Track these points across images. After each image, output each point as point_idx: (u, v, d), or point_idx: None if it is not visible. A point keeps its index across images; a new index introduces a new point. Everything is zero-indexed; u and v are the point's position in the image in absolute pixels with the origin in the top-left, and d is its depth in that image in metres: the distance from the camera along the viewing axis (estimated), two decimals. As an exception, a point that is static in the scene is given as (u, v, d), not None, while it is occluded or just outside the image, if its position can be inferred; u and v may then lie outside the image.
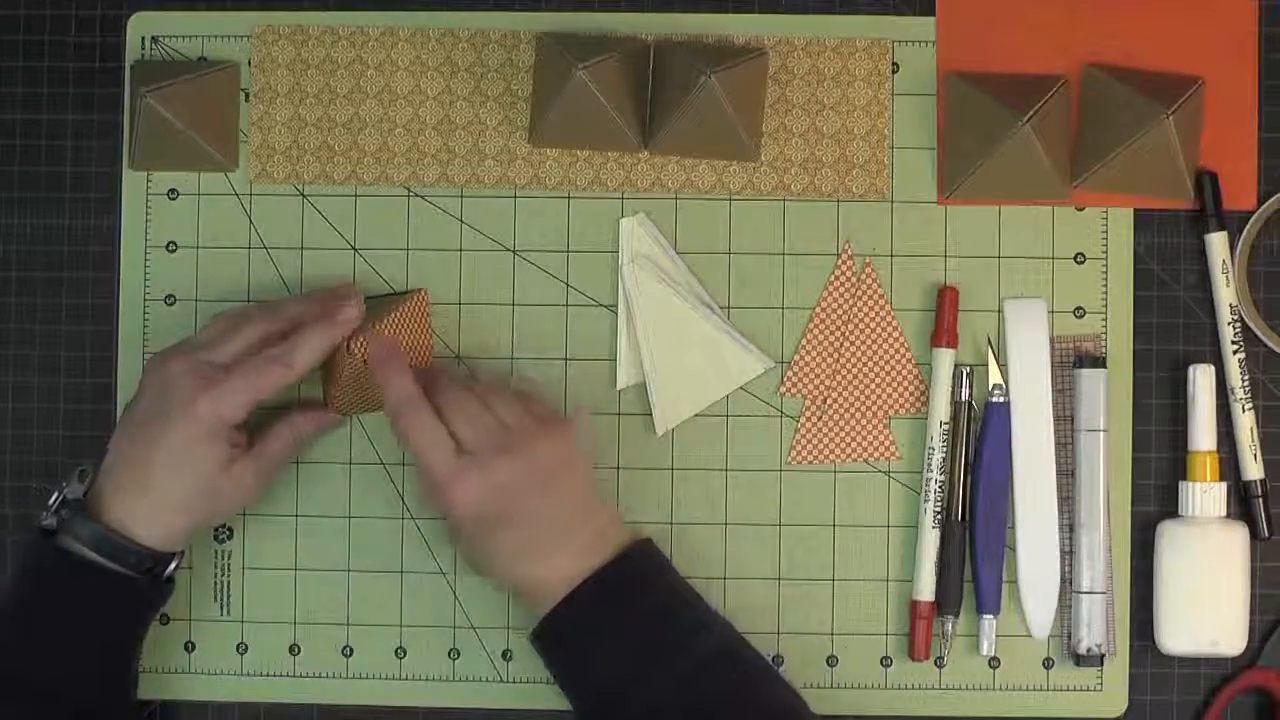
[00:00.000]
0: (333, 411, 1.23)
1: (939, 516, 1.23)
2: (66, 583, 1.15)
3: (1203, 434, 1.22)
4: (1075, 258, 1.24)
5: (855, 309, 1.24)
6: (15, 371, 1.26)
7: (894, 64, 1.25)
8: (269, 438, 1.20)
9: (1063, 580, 1.23)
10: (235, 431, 1.17)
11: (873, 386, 1.24)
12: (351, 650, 1.25)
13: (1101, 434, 1.22)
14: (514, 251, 1.26)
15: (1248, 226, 1.23)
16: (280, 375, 1.17)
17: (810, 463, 1.24)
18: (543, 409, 1.19)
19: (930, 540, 1.23)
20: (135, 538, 1.15)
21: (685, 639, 1.14)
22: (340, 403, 1.22)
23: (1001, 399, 1.23)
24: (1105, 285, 1.24)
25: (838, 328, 1.25)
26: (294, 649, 1.25)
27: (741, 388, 1.25)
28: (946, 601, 1.23)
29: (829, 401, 1.24)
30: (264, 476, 1.20)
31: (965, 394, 1.24)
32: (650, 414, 1.24)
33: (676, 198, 1.25)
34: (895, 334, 1.24)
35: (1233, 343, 1.22)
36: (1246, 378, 1.22)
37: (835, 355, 1.25)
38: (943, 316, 1.23)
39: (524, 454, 1.15)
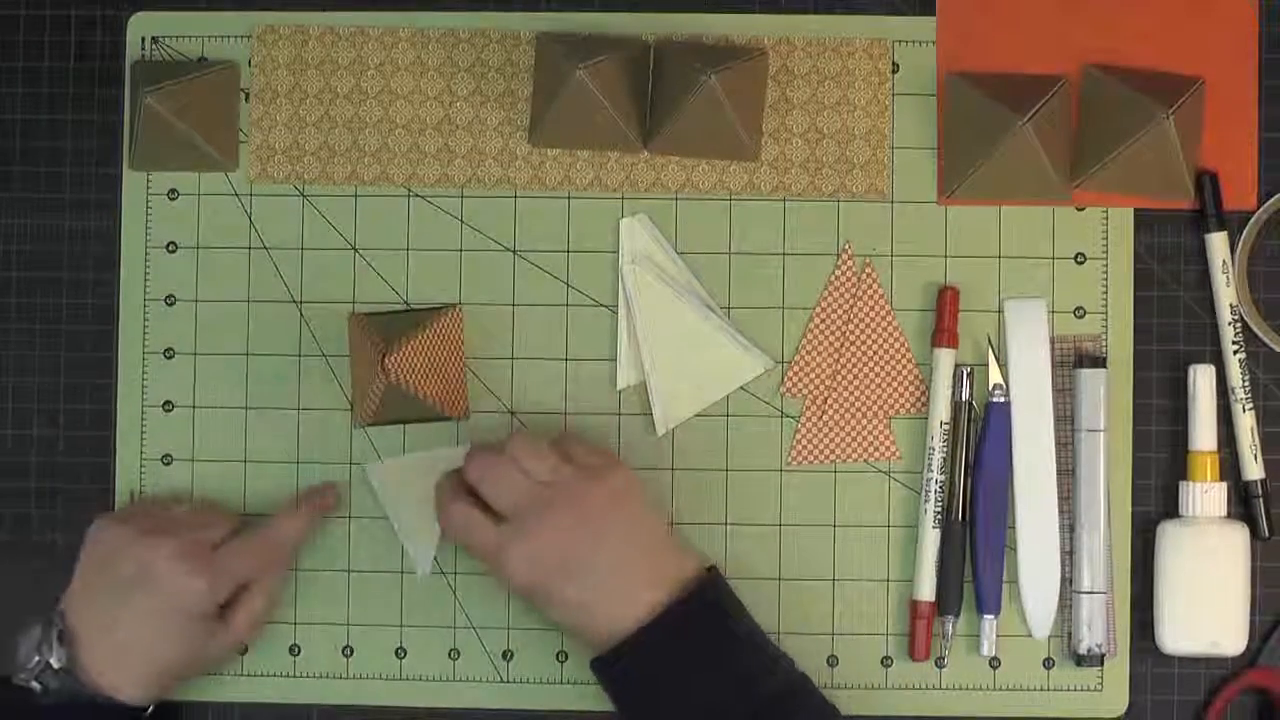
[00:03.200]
0: (361, 422, 1.23)
1: (939, 516, 1.23)
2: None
3: (1203, 434, 1.22)
4: (1075, 258, 1.24)
5: (855, 309, 1.24)
6: (15, 371, 1.26)
7: (894, 64, 1.25)
8: (252, 595, 1.20)
9: (1063, 580, 1.23)
10: (217, 608, 1.19)
11: (873, 386, 1.24)
12: (351, 650, 1.25)
13: (1101, 434, 1.22)
14: (514, 251, 1.26)
15: (1248, 226, 1.23)
16: (276, 563, 1.20)
17: (810, 463, 1.24)
18: (583, 452, 1.18)
19: (930, 540, 1.23)
20: (119, 698, 1.16)
21: (750, 681, 1.13)
22: (371, 416, 1.22)
23: (1001, 399, 1.23)
24: (1105, 285, 1.24)
25: (838, 328, 1.25)
26: (294, 649, 1.25)
27: (741, 388, 1.25)
28: (946, 601, 1.23)
29: (829, 401, 1.24)
30: (235, 646, 1.21)
31: (965, 394, 1.24)
32: (650, 414, 1.24)
33: (676, 198, 1.25)
34: (895, 334, 1.24)
35: (1233, 343, 1.22)
36: (1247, 378, 1.22)
37: (835, 355, 1.25)
38: (943, 316, 1.23)
39: (568, 506, 1.14)
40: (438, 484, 1.19)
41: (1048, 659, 1.24)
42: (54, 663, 1.15)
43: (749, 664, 1.14)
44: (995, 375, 1.24)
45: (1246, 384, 1.22)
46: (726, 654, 1.14)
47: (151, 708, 1.19)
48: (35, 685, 1.15)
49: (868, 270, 1.25)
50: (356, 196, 1.26)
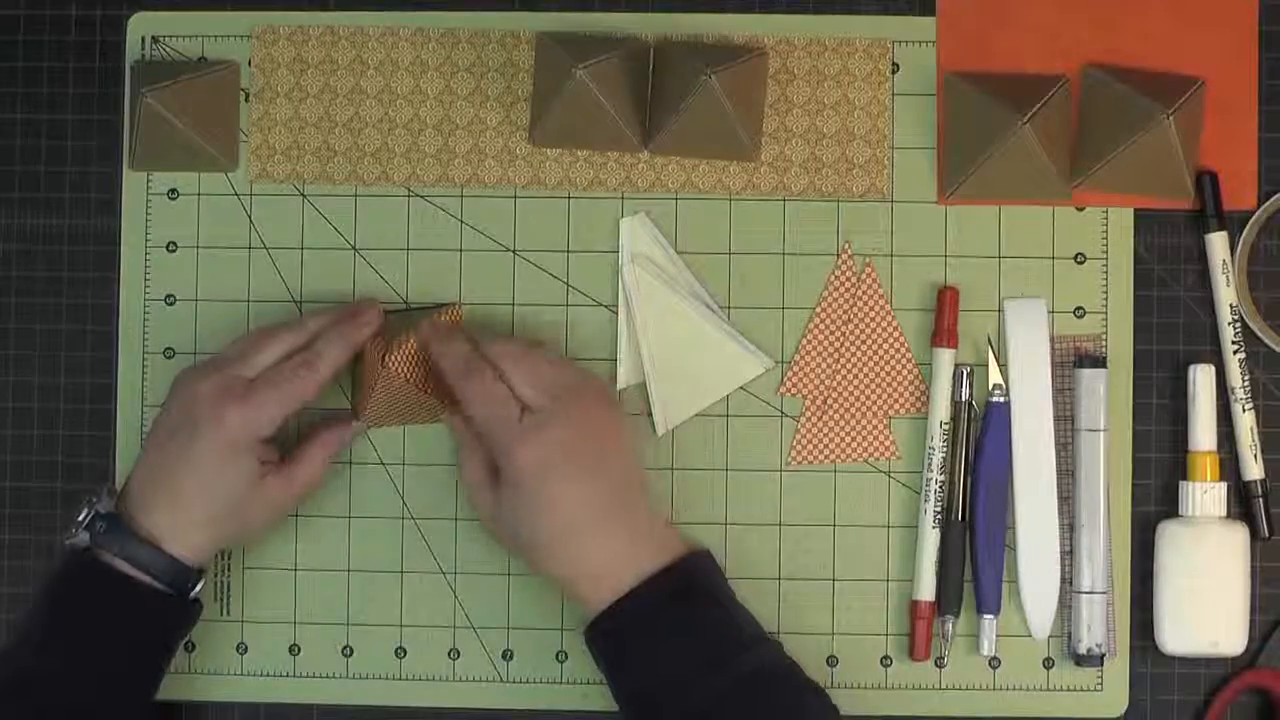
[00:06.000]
0: (363, 423, 1.23)
1: (939, 516, 1.23)
2: (101, 602, 1.15)
3: (1203, 434, 1.22)
4: (1075, 258, 1.24)
5: (855, 309, 1.24)
6: (15, 371, 1.26)
7: (894, 64, 1.25)
8: (300, 461, 1.20)
9: (1063, 580, 1.23)
10: (265, 447, 1.17)
11: (873, 386, 1.24)
12: (351, 650, 1.25)
13: (1101, 434, 1.22)
14: (514, 251, 1.26)
15: (1248, 226, 1.23)
16: (307, 381, 1.17)
17: (810, 463, 1.24)
18: (595, 379, 1.20)
19: (930, 540, 1.23)
20: (169, 548, 1.15)
21: (736, 653, 1.14)
22: (372, 415, 1.22)
23: (1001, 399, 1.23)
24: (1105, 285, 1.24)
25: (838, 328, 1.25)
26: (294, 649, 1.25)
27: (741, 388, 1.25)
28: (946, 601, 1.23)
29: (829, 401, 1.24)
30: (293, 498, 1.20)
31: (965, 394, 1.24)
32: (650, 414, 1.24)
33: (676, 198, 1.25)
34: (895, 334, 1.24)
35: (1233, 343, 1.22)
36: (1247, 378, 1.22)
37: (835, 355, 1.25)
38: (943, 316, 1.23)
39: (585, 410, 1.15)
40: (461, 355, 1.18)
41: (1048, 659, 1.24)
42: (101, 509, 1.15)
43: (732, 637, 1.15)
44: (995, 375, 1.24)
45: (1246, 384, 1.22)
46: (711, 626, 1.15)
47: (199, 585, 1.17)
48: (82, 538, 1.15)
49: (868, 270, 1.25)
50: (356, 196, 1.26)
